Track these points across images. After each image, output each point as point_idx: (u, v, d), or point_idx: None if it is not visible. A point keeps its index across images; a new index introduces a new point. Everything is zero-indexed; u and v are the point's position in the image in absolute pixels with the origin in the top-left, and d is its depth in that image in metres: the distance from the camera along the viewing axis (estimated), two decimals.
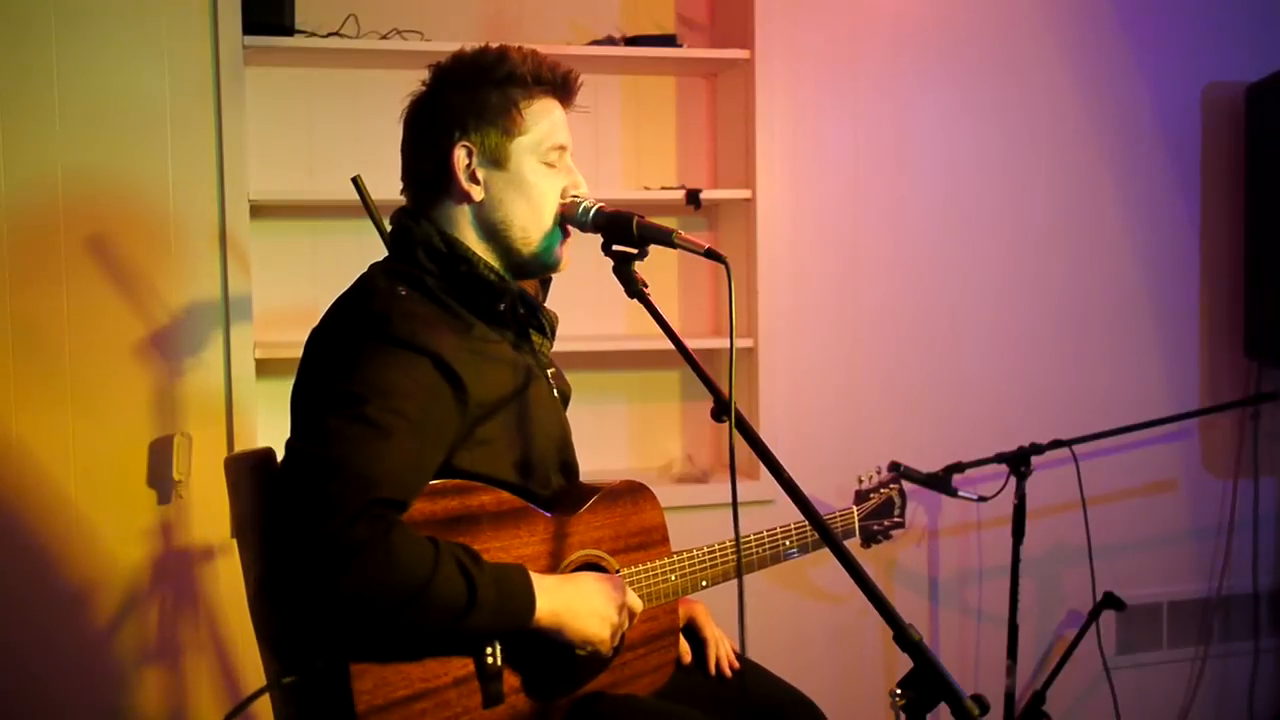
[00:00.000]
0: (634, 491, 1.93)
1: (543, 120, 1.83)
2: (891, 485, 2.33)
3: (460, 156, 1.80)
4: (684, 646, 2.06)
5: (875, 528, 2.29)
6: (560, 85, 1.85)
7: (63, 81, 2.73)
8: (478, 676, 1.69)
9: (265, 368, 2.83)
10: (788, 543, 2.06)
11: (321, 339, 1.76)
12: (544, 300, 1.98)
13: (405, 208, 1.89)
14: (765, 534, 2.05)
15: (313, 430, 1.62)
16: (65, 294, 2.74)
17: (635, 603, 1.80)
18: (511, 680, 1.73)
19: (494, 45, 1.85)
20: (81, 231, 2.75)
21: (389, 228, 1.93)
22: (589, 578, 1.76)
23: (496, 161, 1.81)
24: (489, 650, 1.69)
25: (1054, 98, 3.43)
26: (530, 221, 1.82)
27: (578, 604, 1.71)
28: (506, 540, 1.74)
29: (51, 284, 2.74)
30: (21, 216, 2.72)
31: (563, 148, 1.85)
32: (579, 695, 1.81)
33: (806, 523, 1.97)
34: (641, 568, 1.88)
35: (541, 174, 1.83)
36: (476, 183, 1.81)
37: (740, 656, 2.06)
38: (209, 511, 2.80)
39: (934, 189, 3.36)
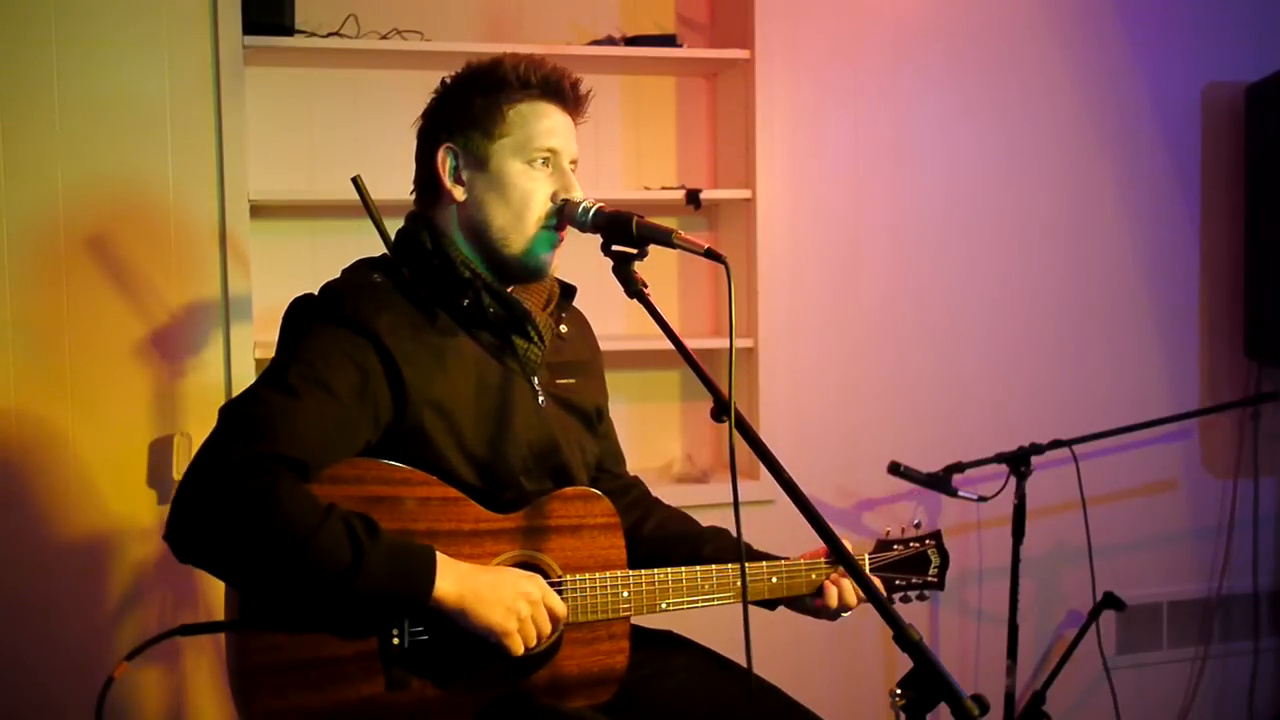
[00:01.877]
0: (587, 498, 1.88)
1: (531, 123, 1.85)
2: (928, 541, 2.11)
3: (443, 158, 1.86)
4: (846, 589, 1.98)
5: (899, 581, 2.08)
6: (550, 89, 1.86)
7: (62, 81, 2.73)
8: (380, 656, 1.69)
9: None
10: (775, 579, 1.96)
11: (285, 315, 1.84)
12: (564, 309, 1.99)
13: (411, 209, 1.96)
14: (749, 567, 1.94)
15: (240, 394, 1.71)
16: (65, 294, 2.74)
17: (555, 603, 1.74)
18: (422, 668, 1.72)
19: (505, 54, 1.88)
20: (81, 231, 2.75)
21: (388, 228, 1.95)
22: (506, 570, 1.74)
23: (479, 163, 1.85)
24: (395, 632, 1.69)
25: (1054, 98, 3.43)
26: (508, 222, 1.84)
27: (486, 592, 1.67)
28: (430, 523, 1.73)
29: (51, 284, 2.74)
30: (21, 216, 2.72)
31: (553, 150, 1.86)
32: (500, 696, 1.78)
33: (798, 562, 1.97)
34: (587, 577, 1.83)
35: (524, 175, 1.84)
36: (461, 184, 1.86)
37: (752, 674, 1.87)
38: None
39: (934, 189, 3.36)
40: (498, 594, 1.68)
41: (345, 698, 1.66)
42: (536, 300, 1.93)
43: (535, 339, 1.90)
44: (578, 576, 1.82)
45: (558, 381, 1.96)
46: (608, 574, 1.84)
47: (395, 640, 1.69)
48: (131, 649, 1.88)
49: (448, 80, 1.91)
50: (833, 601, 1.98)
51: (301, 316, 1.81)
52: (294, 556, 1.56)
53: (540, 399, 1.92)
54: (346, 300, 1.78)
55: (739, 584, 1.91)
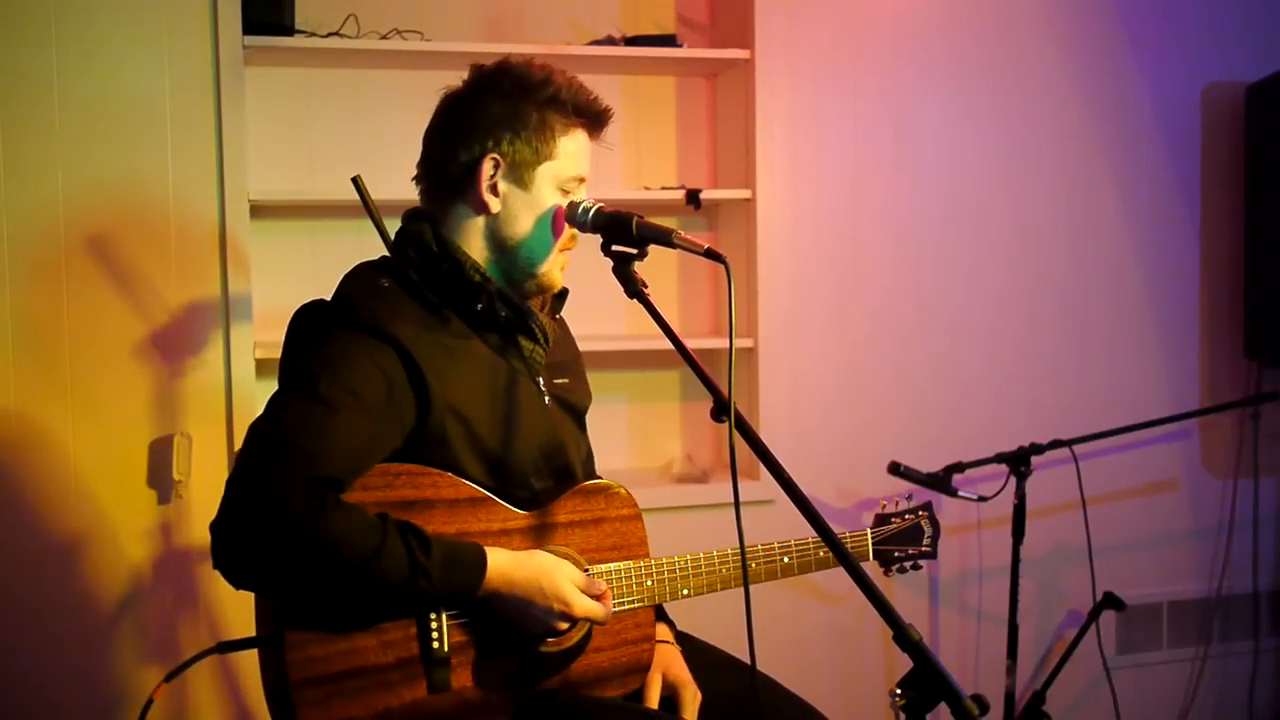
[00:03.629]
0: (609, 492, 1.90)
1: (575, 154, 1.87)
2: (920, 512, 2.19)
3: (488, 167, 1.83)
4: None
5: (897, 554, 2.15)
6: (595, 120, 1.89)
7: (63, 81, 2.73)
8: (422, 661, 1.70)
9: (265, 368, 2.83)
10: (786, 559, 1.99)
11: (294, 323, 1.82)
12: (558, 311, 2.01)
13: (414, 207, 1.93)
14: (761, 548, 1.99)
15: (268, 409, 1.68)
16: (65, 294, 2.74)
17: (595, 615, 1.78)
18: (462, 669, 1.73)
19: (549, 69, 1.88)
20: (81, 232, 2.75)
21: (388, 228, 1.94)
22: (552, 583, 1.74)
23: (521, 180, 1.84)
24: (434, 637, 1.70)
25: (1054, 98, 3.43)
26: (538, 243, 1.86)
27: (532, 607, 1.73)
28: (461, 525, 1.74)
29: (51, 284, 2.74)
30: (21, 217, 2.72)
31: (582, 180, 1.88)
32: (536, 691, 1.80)
33: (807, 541, 1.99)
34: (612, 567, 1.85)
35: (557, 201, 1.86)
36: (496, 195, 1.84)
37: (753, 669, 1.95)
38: (209, 511, 2.74)
39: (934, 189, 3.36)
40: (545, 608, 1.73)
41: (388, 705, 1.68)
42: (534, 302, 1.94)
43: (540, 340, 1.92)
44: (606, 567, 1.84)
45: (555, 381, 1.98)
46: (631, 564, 1.86)
47: (435, 644, 1.71)
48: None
49: (487, 76, 1.86)
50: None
51: (316, 323, 1.78)
52: (352, 581, 1.59)
53: (546, 399, 1.93)
54: (363, 306, 1.76)
55: (755, 568, 1.96)
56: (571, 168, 1.86)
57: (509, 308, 1.87)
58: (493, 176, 1.83)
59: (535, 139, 1.83)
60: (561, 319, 2.09)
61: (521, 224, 1.84)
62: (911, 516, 2.17)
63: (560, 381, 1.99)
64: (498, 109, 1.83)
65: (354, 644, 1.67)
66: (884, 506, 2.18)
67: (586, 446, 2.08)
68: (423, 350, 1.75)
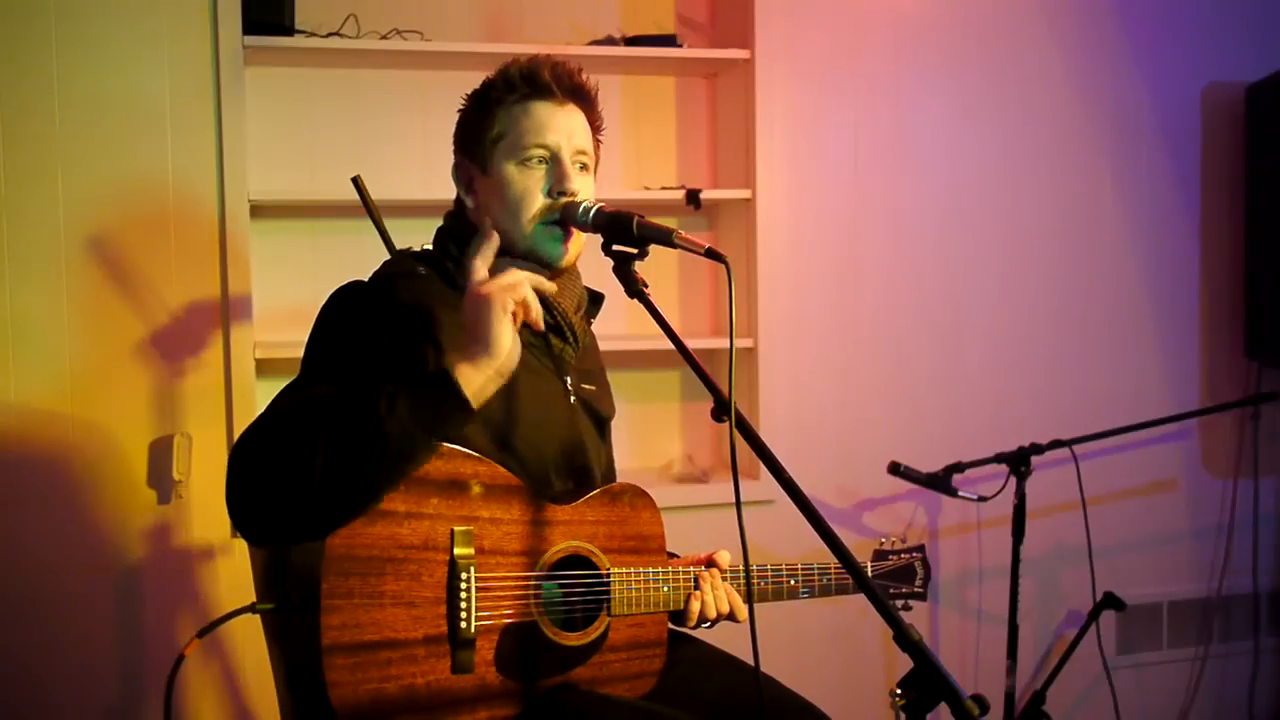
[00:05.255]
0: (635, 495, 1.92)
1: (520, 122, 1.87)
2: (915, 554, 2.24)
3: (458, 174, 1.94)
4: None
5: (891, 590, 2.20)
6: (534, 86, 1.87)
7: (63, 81, 2.73)
8: (449, 639, 1.71)
9: (265, 368, 2.83)
10: (793, 581, 2.03)
11: (330, 302, 1.83)
12: (595, 315, 2.03)
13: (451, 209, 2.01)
14: (769, 568, 2.02)
15: (298, 378, 1.73)
16: (65, 294, 2.74)
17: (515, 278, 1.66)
18: (485, 653, 1.74)
19: (523, 59, 1.91)
20: (82, 231, 2.75)
21: (388, 228, 1.95)
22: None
23: (483, 169, 1.90)
24: (463, 617, 1.70)
25: (1054, 98, 3.43)
26: (509, 222, 1.86)
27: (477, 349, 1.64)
28: (495, 512, 1.75)
29: (52, 284, 2.74)
30: (22, 216, 2.72)
31: (545, 146, 1.86)
32: (551, 684, 1.81)
33: (813, 567, 2.04)
34: (630, 570, 1.87)
35: (519, 174, 1.86)
36: (473, 194, 1.92)
37: (755, 669, 1.89)
38: (209, 511, 2.80)
39: (934, 189, 3.36)
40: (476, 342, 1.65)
41: (413, 680, 1.69)
42: (569, 303, 1.94)
43: (570, 340, 1.93)
44: (624, 570, 1.86)
45: (583, 386, 2.00)
46: (650, 570, 1.89)
47: (462, 624, 1.71)
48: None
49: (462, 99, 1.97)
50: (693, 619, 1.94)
51: (349, 303, 1.81)
52: (323, 422, 1.56)
53: (571, 399, 1.95)
54: (398, 288, 1.81)
55: (760, 584, 2.00)
56: (520, 138, 1.86)
57: (540, 303, 1.88)
58: (468, 179, 1.92)
59: (477, 126, 1.89)
60: (591, 331, 2.10)
61: (491, 207, 1.88)
62: (907, 556, 2.22)
63: (587, 388, 2.01)
64: (459, 122, 1.95)
65: (385, 614, 1.67)
66: (881, 544, 2.22)
67: (608, 456, 2.09)
68: (452, 334, 1.76)
